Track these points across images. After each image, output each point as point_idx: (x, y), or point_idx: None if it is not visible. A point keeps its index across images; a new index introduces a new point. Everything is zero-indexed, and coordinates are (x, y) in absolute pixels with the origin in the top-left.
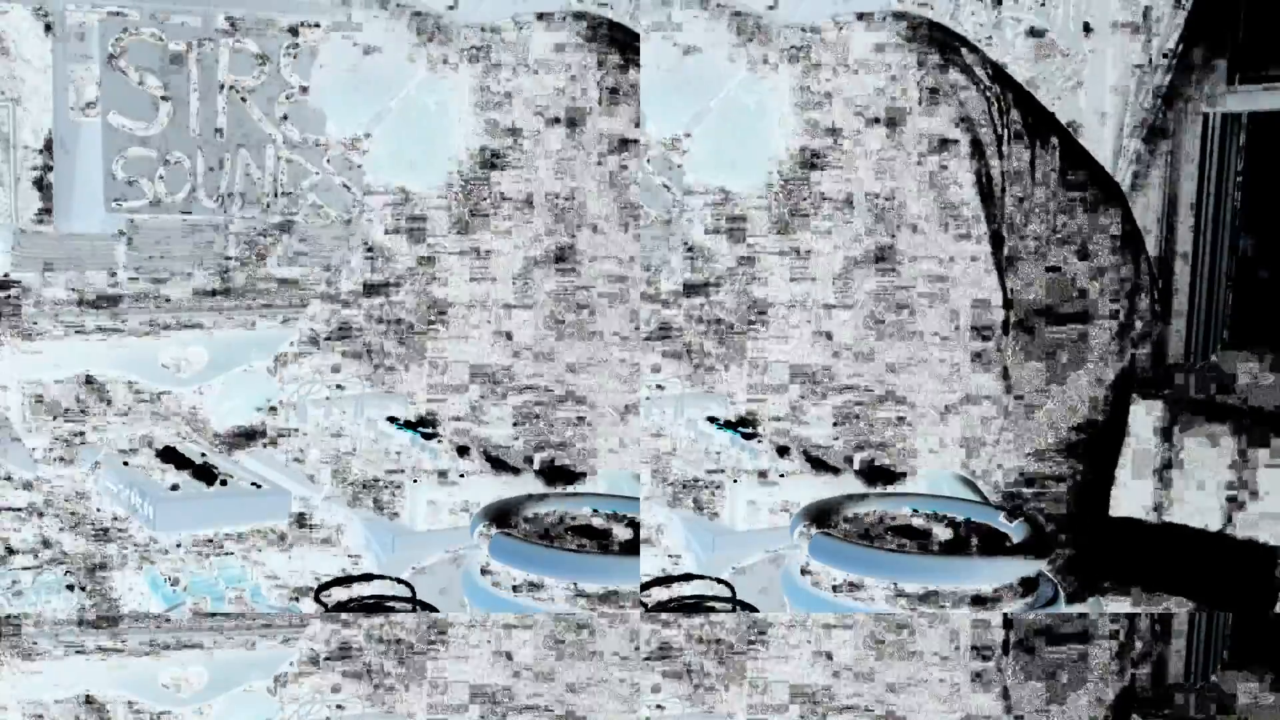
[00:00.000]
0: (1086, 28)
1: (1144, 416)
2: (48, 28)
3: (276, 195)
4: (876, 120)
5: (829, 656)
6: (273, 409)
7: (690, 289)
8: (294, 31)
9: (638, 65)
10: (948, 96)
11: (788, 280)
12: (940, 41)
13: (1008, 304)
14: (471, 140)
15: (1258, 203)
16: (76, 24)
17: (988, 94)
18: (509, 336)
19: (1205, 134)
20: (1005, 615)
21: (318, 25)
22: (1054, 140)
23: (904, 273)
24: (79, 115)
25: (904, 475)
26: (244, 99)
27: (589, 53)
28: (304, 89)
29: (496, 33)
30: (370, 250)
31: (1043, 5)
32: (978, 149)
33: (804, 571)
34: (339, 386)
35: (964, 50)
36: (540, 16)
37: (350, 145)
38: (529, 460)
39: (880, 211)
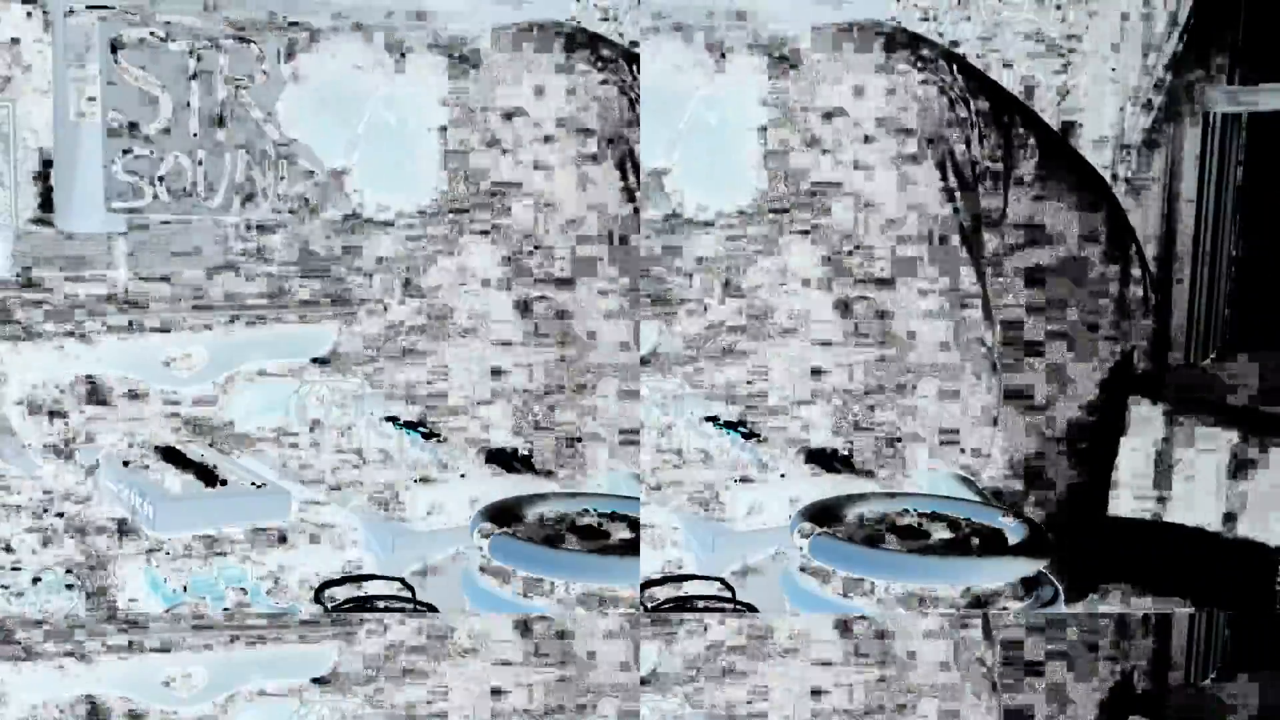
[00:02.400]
0: (1086, 27)
1: (1144, 416)
2: (47, 27)
3: (276, 196)
4: (849, 126)
5: (827, 656)
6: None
7: (687, 294)
8: (295, 29)
9: (624, 77)
10: (915, 100)
11: (779, 286)
12: (907, 46)
13: (991, 304)
14: (457, 151)
15: (1258, 203)
16: (76, 24)
17: (954, 95)
18: (509, 336)
19: (1205, 134)
20: (1003, 615)
21: (309, 29)
22: (1031, 139)
23: (890, 274)
24: (79, 115)
25: (903, 475)
26: (244, 99)
27: (573, 64)
28: (270, 116)
29: (472, 44)
30: (369, 249)
31: (1043, 3)
32: (948, 152)
33: (804, 571)
34: (335, 369)
35: (929, 52)
36: (520, 29)
37: (338, 174)
38: (528, 459)
39: (858, 216)
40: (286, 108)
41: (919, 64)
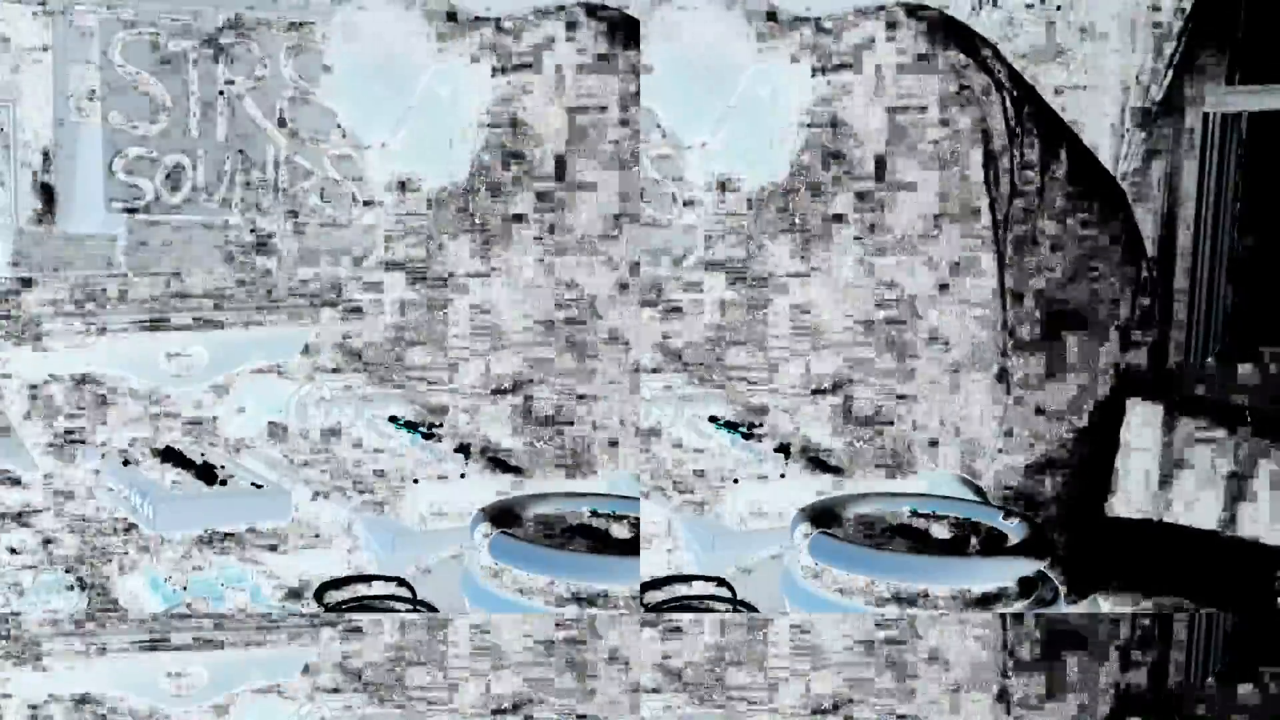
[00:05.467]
0: (1087, 27)
1: (1144, 417)
2: (47, 28)
3: (277, 195)
4: (891, 115)
5: (827, 656)
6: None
7: (694, 286)
8: (295, 29)
9: (645, 58)
10: (965, 93)
11: (792, 278)
12: (958, 37)
13: (1007, 302)
14: (482, 137)
15: (1258, 203)
16: (76, 24)
17: (1005, 92)
18: (511, 335)
19: (1205, 134)
20: (1004, 615)
21: (315, 24)
22: (1062, 143)
23: (909, 270)
24: (79, 115)
25: (903, 475)
26: (244, 99)
27: (600, 45)
28: (307, 89)
29: (509, 26)
30: (371, 249)
31: (1043, 4)
32: (991, 148)
33: (804, 571)
34: (335, 368)
35: (981, 47)
36: (555, 9)
37: (377, 147)
38: (528, 460)
39: (889, 207)
40: (324, 85)
41: (973, 58)
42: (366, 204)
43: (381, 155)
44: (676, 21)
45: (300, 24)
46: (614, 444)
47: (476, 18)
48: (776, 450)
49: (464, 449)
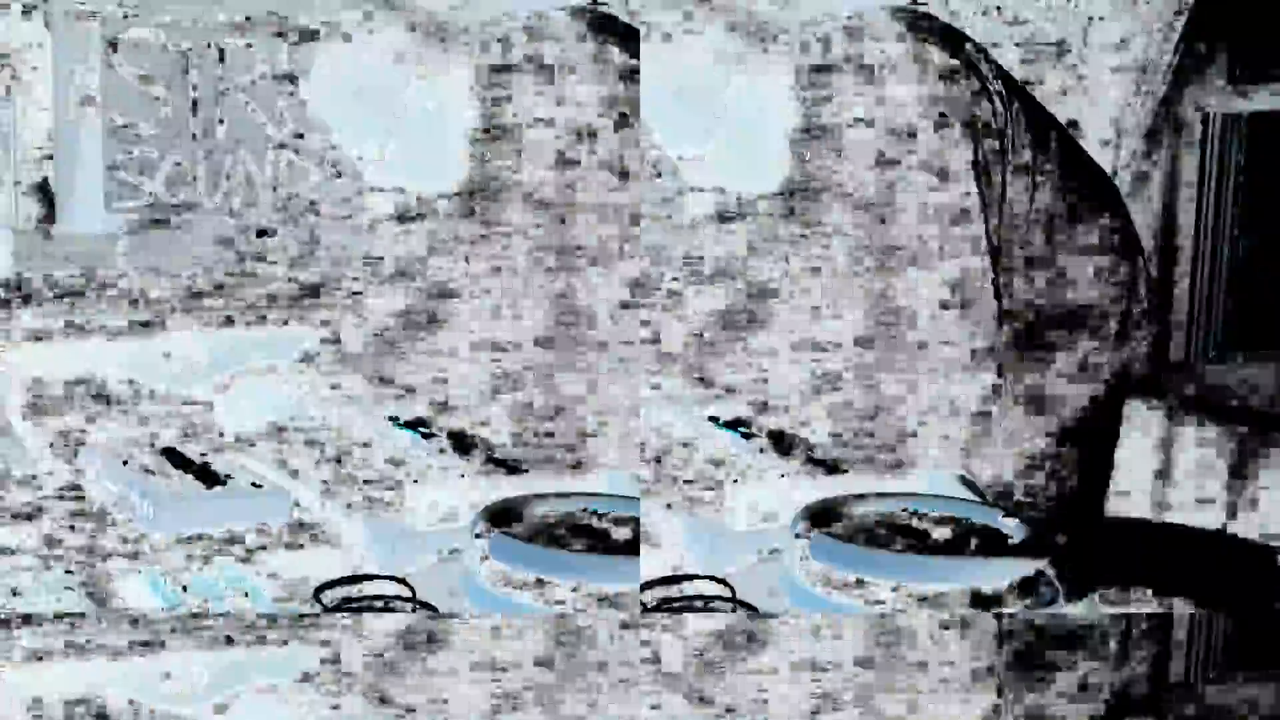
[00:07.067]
0: (1087, 27)
1: (1144, 417)
2: (48, 28)
3: (276, 195)
4: (881, 118)
5: (827, 656)
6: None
7: (692, 288)
8: (294, 31)
9: (638, 62)
10: (953, 94)
11: (789, 279)
12: (946, 40)
13: (1003, 303)
14: (472, 140)
15: (1258, 203)
16: (76, 24)
17: (993, 93)
18: (510, 336)
19: (1205, 134)
20: (1002, 615)
21: (315, 30)
22: (1054, 141)
23: (904, 272)
24: (79, 115)
25: (902, 475)
26: (244, 99)
27: (590, 50)
28: (302, 101)
29: (497, 29)
30: (370, 250)
31: (1043, 6)
32: (981, 149)
33: (804, 571)
34: (335, 368)
35: (969, 48)
36: (540, 15)
37: (368, 158)
38: (527, 459)
39: (883, 210)
40: (314, 99)
41: (960, 60)
42: (366, 205)
43: (379, 157)
44: (662, 32)
45: (298, 27)
46: (611, 438)
47: (467, 29)
48: (776, 450)
49: (464, 449)
